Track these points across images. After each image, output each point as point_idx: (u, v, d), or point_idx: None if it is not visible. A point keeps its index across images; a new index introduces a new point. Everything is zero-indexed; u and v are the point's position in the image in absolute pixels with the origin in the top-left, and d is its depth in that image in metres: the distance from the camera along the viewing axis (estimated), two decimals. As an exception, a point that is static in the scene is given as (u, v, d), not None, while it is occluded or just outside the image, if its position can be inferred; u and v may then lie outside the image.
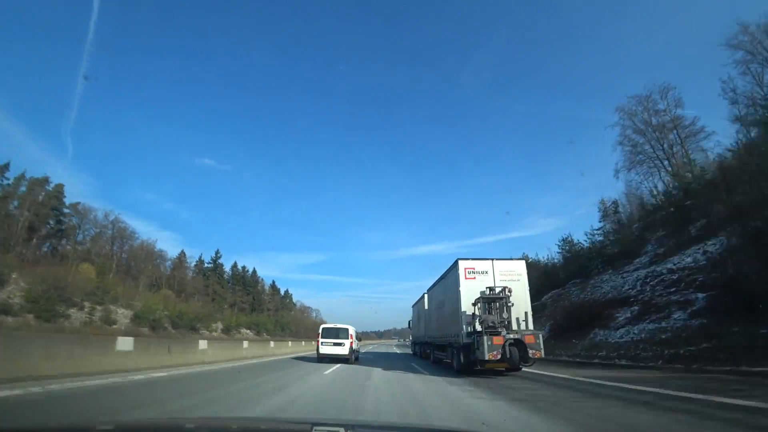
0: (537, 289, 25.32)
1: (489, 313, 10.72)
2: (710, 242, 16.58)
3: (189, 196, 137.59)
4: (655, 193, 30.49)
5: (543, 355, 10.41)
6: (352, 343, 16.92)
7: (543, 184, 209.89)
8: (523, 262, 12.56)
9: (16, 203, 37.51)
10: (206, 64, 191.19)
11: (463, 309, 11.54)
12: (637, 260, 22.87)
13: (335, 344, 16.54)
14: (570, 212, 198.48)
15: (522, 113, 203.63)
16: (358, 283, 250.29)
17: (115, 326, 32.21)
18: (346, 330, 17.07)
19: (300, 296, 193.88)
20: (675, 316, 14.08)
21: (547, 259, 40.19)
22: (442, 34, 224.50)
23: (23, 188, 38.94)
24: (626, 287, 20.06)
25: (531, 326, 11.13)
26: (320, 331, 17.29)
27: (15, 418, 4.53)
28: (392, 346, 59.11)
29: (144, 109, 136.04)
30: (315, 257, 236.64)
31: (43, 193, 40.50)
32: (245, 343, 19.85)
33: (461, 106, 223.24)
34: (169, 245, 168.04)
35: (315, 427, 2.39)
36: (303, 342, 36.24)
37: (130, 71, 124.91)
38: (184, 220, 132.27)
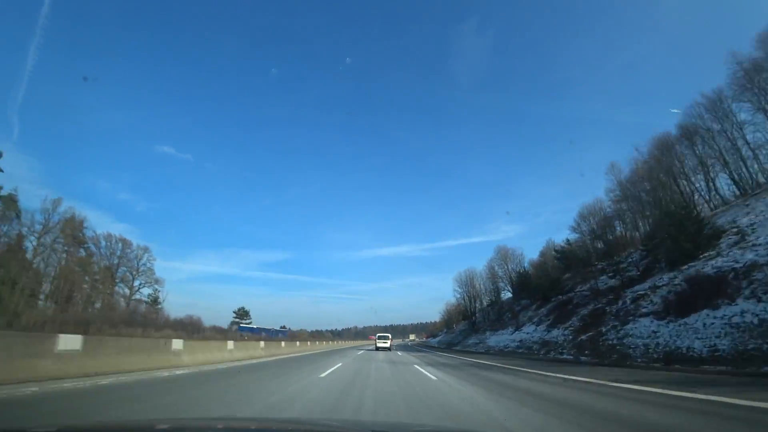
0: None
1: None
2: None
3: (147, 186, 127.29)
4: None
5: None
6: (390, 341, 34.35)
7: (507, 192, 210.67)
8: None
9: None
10: (169, 44, 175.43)
11: None
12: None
13: (383, 341, 33.05)
14: (530, 219, 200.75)
15: (493, 119, 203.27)
16: (319, 282, 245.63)
17: None
18: (389, 336, 34.73)
19: (259, 294, 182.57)
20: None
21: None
22: (416, 39, 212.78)
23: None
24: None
25: None
26: (376, 336, 34.99)
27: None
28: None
29: (98, 91, 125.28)
30: (277, 255, 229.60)
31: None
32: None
33: (435, 110, 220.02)
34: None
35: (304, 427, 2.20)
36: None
37: (85, 49, 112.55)
38: (140, 212, 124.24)
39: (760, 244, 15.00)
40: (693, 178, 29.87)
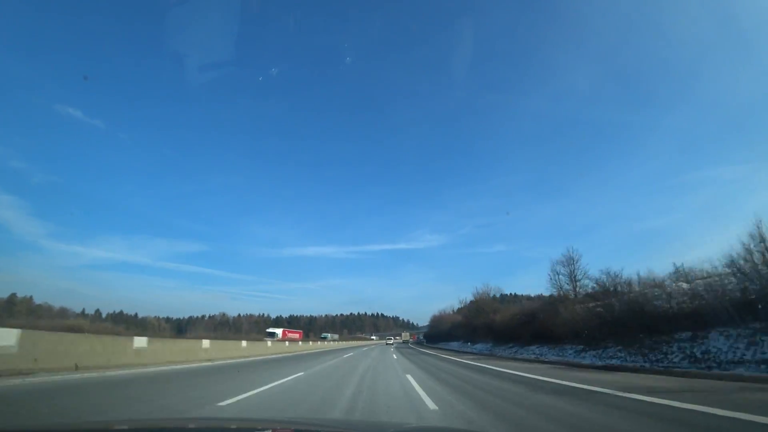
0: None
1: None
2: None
3: (45, 153, 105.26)
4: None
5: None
6: (393, 341, 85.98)
7: (431, 202, 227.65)
8: None
9: None
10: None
11: None
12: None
13: (389, 340, 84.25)
14: (454, 231, 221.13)
15: (425, 130, 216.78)
16: (236, 278, 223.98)
17: None
18: (392, 337, 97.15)
19: (172, 288, 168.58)
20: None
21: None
22: (358, 36, 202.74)
23: None
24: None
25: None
26: (386, 336, 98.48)
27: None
28: None
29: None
30: (193, 247, 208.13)
31: None
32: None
33: (369, 110, 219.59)
34: (12, 214, 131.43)
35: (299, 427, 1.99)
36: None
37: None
38: (36, 185, 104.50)
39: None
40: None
